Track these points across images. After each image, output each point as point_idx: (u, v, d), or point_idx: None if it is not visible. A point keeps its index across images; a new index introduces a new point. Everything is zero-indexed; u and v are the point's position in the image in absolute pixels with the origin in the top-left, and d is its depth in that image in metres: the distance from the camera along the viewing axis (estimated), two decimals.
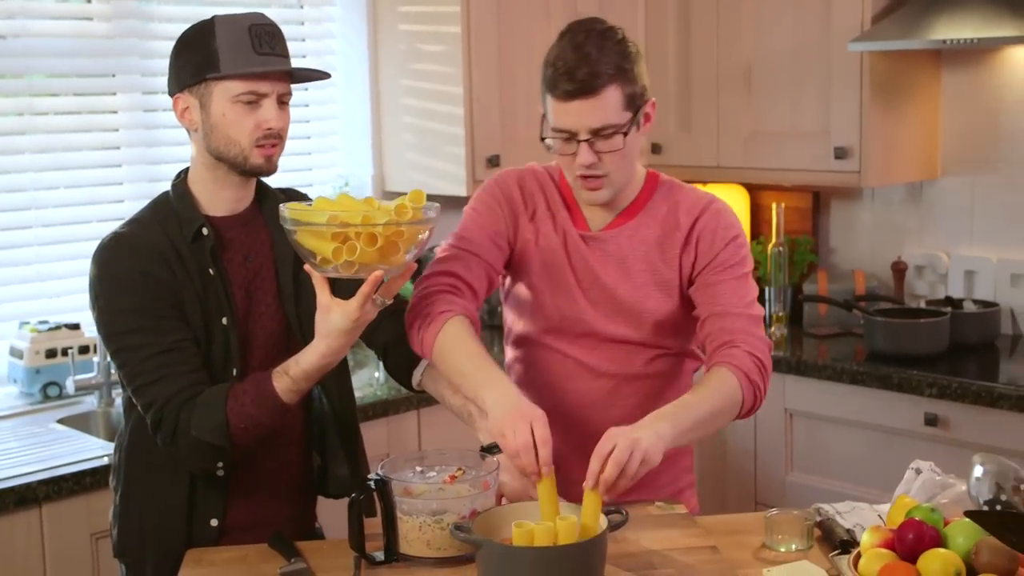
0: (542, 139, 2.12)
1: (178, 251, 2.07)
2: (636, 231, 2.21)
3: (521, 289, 2.26)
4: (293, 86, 2.13)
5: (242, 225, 2.16)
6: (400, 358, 2.29)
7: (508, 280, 2.30)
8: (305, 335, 2.09)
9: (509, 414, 1.90)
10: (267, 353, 2.15)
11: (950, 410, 3.29)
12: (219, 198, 2.14)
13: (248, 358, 2.14)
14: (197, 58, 2.05)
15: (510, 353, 2.35)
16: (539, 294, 2.23)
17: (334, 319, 1.96)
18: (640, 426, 1.93)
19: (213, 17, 2.06)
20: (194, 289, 2.07)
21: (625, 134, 2.08)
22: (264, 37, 2.05)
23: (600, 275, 2.20)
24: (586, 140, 2.06)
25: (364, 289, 1.92)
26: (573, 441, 2.00)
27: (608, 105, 2.05)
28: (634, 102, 2.09)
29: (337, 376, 2.23)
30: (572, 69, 2.03)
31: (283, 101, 2.10)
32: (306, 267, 1.96)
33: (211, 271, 2.09)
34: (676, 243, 2.20)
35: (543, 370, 2.26)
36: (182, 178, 2.16)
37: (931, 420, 3.32)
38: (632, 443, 1.86)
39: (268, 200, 2.20)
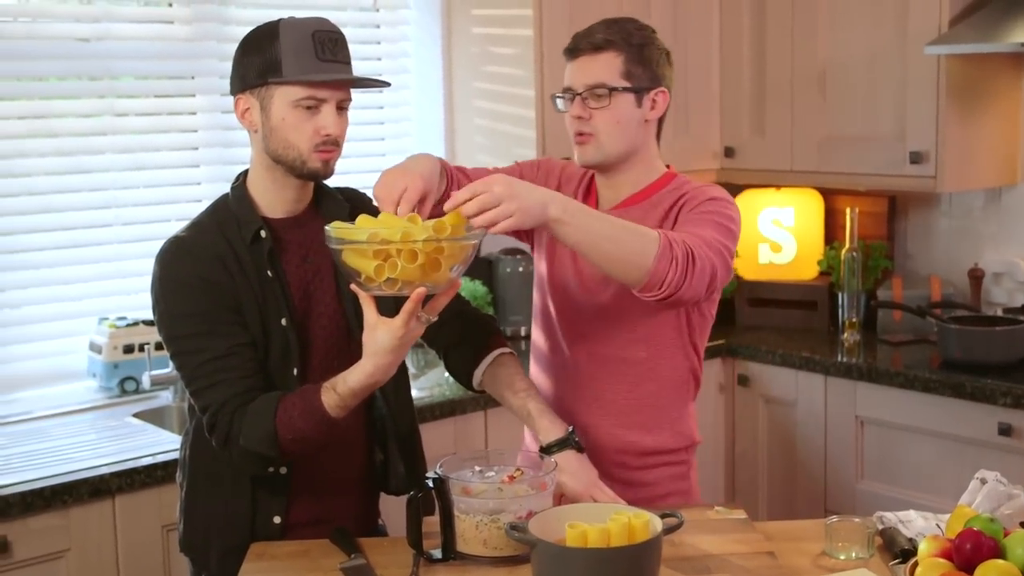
0: (553, 99, 2.33)
1: (237, 254, 2.11)
2: (631, 214, 2.23)
3: (538, 261, 2.44)
4: (364, 90, 2.15)
5: (300, 226, 2.18)
6: (461, 359, 2.31)
7: (535, 256, 2.47)
8: None
9: (395, 168, 2.06)
10: (327, 353, 2.18)
11: None
12: (278, 199, 2.16)
13: (308, 358, 2.16)
14: (260, 60, 2.07)
15: (535, 332, 2.49)
16: (547, 263, 2.39)
17: (380, 337, 1.96)
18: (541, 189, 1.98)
19: (279, 20, 2.09)
20: (252, 291, 2.10)
21: (613, 91, 2.22)
22: (327, 44, 2.07)
23: None
24: (580, 94, 2.24)
25: (408, 306, 1.92)
26: (579, 397, 2.22)
27: (605, 67, 2.23)
28: (637, 79, 2.24)
29: (395, 376, 2.25)
30: (585, 34, 2.27)
31: (342, 107, 2.11)
32: (352, 286, 1.97)
33: (269, 273, 2.12)
34: (659, 213, 2.26)
35: (542, 331, 2.43)
36: (241, 180, 2.19)
37: (1005, 430, 3.26)
38: (505, 182, 1.90)
39: (326, 200, 2.22)
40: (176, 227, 3.48)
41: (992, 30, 3.44)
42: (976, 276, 3.90)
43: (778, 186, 4.24)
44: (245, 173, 2.20)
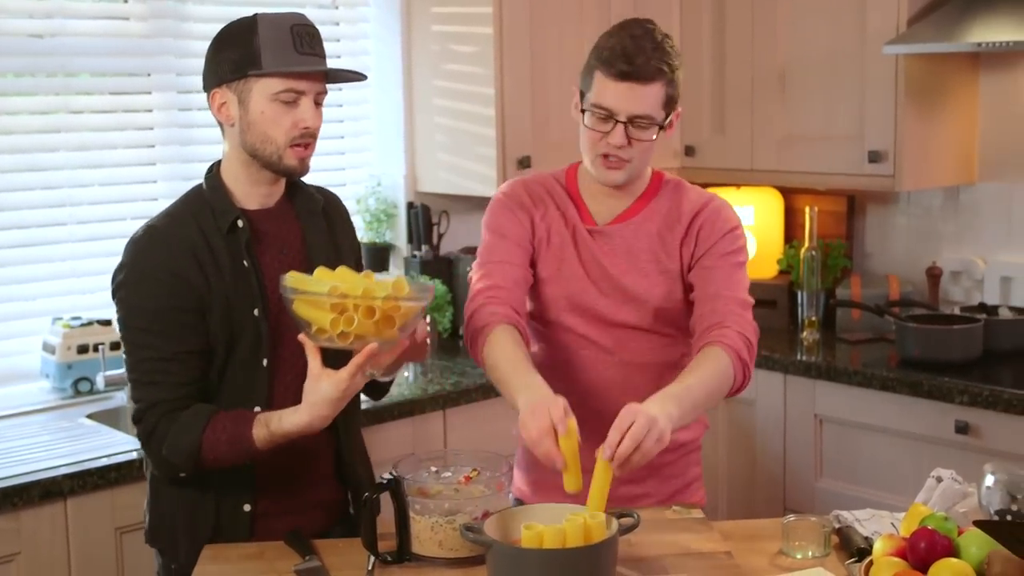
0: (582, 110, 2.21)
1: (211, 244, 2.11)
2: (640, 225, 2.31)
3: (536, 277, 2.34)
4: (339, 84, 2.17)
5: (274, 218, 2.20)
6: None
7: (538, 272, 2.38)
8: None
9: (531, 408, 1.94)
10: (298, 345, 2.15)
11: (981, 418, 3.25)
12: (251, 192, 2.18)
13: (279, 349, 2.17)
14: (238, 54, 2.08)
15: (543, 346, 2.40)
16: (552, 285, 2.31)
17: (324, 388, 2.00)
18: (652, 404, 1.97)
19: (255, 15, 2.10)
20: (224, 282, 2.11)
21: (661, 127, 2.20)
22: (305, 37, 2.09)
23: (607, 267, 2.30)
24: (623, 122, 2.16)
25: (358, 360, 1.97)
26: (588, 427, 2.01)
27: (652, 98, 2.17)
28: (671, 105, 2.22)
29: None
30: (632, 54, 2.14)
31: (318, 101, 2.14)
32: (300, 337, 2.01)
33: (245, 263, 2.13)
34: (677, 235, 2.30)
35: (560, 350, 2.34)
36: (215, 171, 2.20)
37: (962, 428, 3.28)
38: (650, 421, 1.90)
39: (299, 195, 2.25)
40: (132, 225, 3.45)
41: (950, 30, 3.46)
42: (934, 275, 3.92)
43: (738, 185, 4.25)
44: (218, 164, 2.21)
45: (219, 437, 2.06)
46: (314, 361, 2.00)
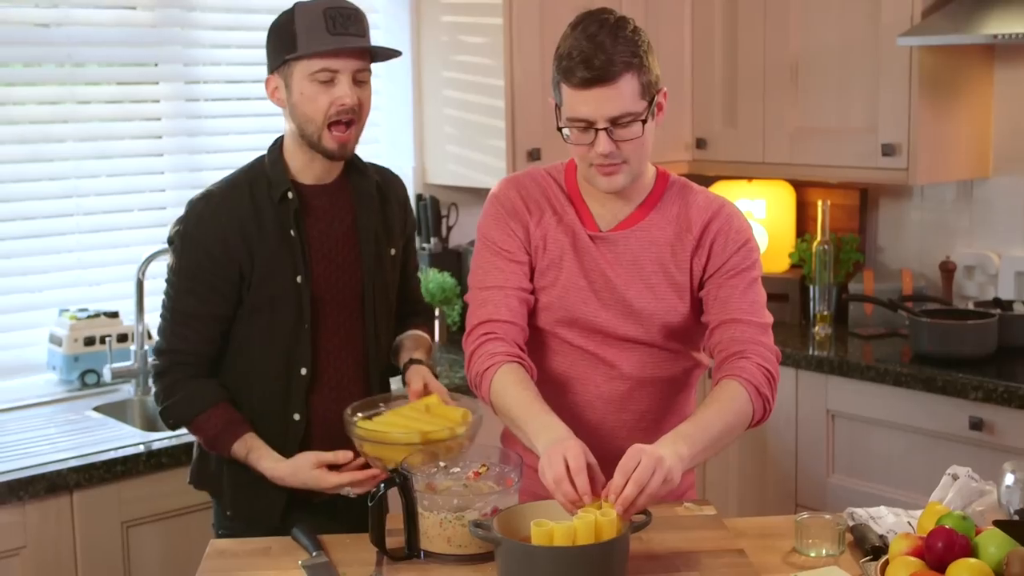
0: (559, 128, 2.10)
1: (261, 213, 2.25)
2: (647, 232, 2.18)
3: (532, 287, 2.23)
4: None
5: (328, 195, 2.32)
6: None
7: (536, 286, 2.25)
8: (377, 306, 2.35)
9: (548, 455, 1.88)
10: (338, 315, 2.33)
11: (996, 414, 3.22)
12: (308, 169, 2.30)
13: (321, 314, 2.30)
14: (280, 42, 2.22)
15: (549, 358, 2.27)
16: (548, 295, 2.19)
17: (310, 475, 2.21)
18: (662, 444, 1.90)
19: (295, 3, 2.22)
20: (269, 249, 2.25)
21: (644, 122, 2.05)
22: (338, 19, 2.19)
23: (611, 277, 2.17)
24: (604, 129, 2.03)
25: (357, 478, 2.19)
26: (587, 444, 1.96)
27: (625, 93, 2.02)
28: (649, 90, 2.07)
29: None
30: (589, 58, 2.00)
31: (359, 80, 2.23)
32: (373, 463, 2.18)
33: (292, 233, 2.25)
34: (688, 245, 2.18)
35: (555, 361, 2.22)
36: (278, 144, 2.32)
37: (976, 424, 3.25)
38: (656, 462, 1.83)
39: (355, 174, 2.35)
40: (139, 217, 3.48)
41: (964, 21, 3.42)
42: (948, 269, 3.89)
43: (750, 178, 4.22)
44: (282, 138, 2.32)
45: (207, 429, 2.26)
46: (323, 456, 2.20)
